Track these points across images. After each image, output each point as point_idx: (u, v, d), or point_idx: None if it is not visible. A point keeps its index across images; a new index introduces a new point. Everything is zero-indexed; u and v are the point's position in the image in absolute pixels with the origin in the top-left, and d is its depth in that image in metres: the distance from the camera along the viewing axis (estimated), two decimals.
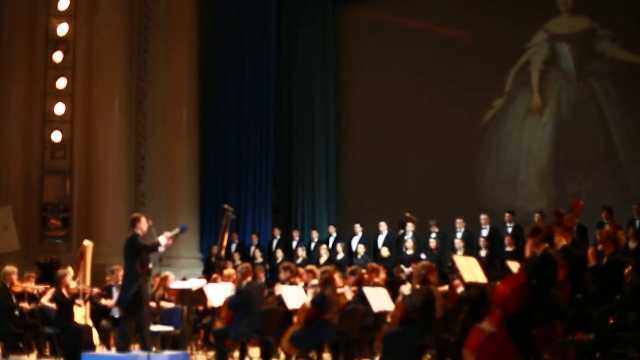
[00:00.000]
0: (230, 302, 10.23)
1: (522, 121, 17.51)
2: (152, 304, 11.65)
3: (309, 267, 11.58)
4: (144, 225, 10.03)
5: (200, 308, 12.17)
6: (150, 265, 10.51)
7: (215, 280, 12.01)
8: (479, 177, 17.73)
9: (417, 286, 9.03)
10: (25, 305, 11.64)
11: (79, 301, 10.96)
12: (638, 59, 16.51)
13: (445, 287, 9.98)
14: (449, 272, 11.89)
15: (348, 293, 10.44)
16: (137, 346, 10.49)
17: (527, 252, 8.53)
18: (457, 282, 10.99)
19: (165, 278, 12.39)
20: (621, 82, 16.68)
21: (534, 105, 17.42)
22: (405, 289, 9.13)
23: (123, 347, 9.88)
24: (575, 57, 17.13)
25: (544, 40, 17.45)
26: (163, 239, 9.91)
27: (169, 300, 12.16)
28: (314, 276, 10.59)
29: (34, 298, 11.91)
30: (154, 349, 9.77)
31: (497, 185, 17.60)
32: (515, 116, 17.62)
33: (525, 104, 17.54)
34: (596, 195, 15.97)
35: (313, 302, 9.71)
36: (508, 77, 17.68)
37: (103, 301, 11.89)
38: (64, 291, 10.89)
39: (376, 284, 10.31)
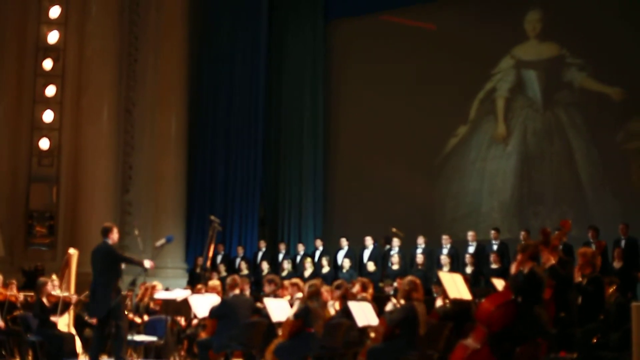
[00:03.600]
0: (212, 311, 10.21)
1: (486, 150, 17.01)
2: (133, 317, 11.60)
3: (294, 280, 11.56)
4: (115, 236, 10.04)
5: (184, 324, 12.11)
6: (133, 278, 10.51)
7: (199, 291, 11.97)
8: (439, 207, 17.36)
9: (402, 301, 9.04)
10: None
11: (54, 318, 10.84)
12: (606, 89, 15.86)
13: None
14: (433, 285, 11.90)
15: (332, 308, 10.41)
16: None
17: (513, 269, 8.55)
18: (437, 300, 11.02)
19: (153, 287, 12.34)
20: (588, 112, 16.03)
21: (498, 134, 16.95)
22: (389, 305, 9.14)
23: (92, 357, 9.80)
24: (542, 85, 16.58)
25: (510, 67, 16.96)
26: (147, 263, 9.91)
27: (154, 311, 12.12)
28: (299, 289, 10.56)
29: (15, 307, 11.84)
30: None
31: (458, 216, 17.16)
32: (479, 145, 17.14)
33: (490, 132, 17.05)
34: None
35: (297, 314, 9.70)
36: (473, 104, 17.25)
37: (87, 319, 11.83)
38: (44, 300, 10.83)
39: (363, 299, 10.30)
